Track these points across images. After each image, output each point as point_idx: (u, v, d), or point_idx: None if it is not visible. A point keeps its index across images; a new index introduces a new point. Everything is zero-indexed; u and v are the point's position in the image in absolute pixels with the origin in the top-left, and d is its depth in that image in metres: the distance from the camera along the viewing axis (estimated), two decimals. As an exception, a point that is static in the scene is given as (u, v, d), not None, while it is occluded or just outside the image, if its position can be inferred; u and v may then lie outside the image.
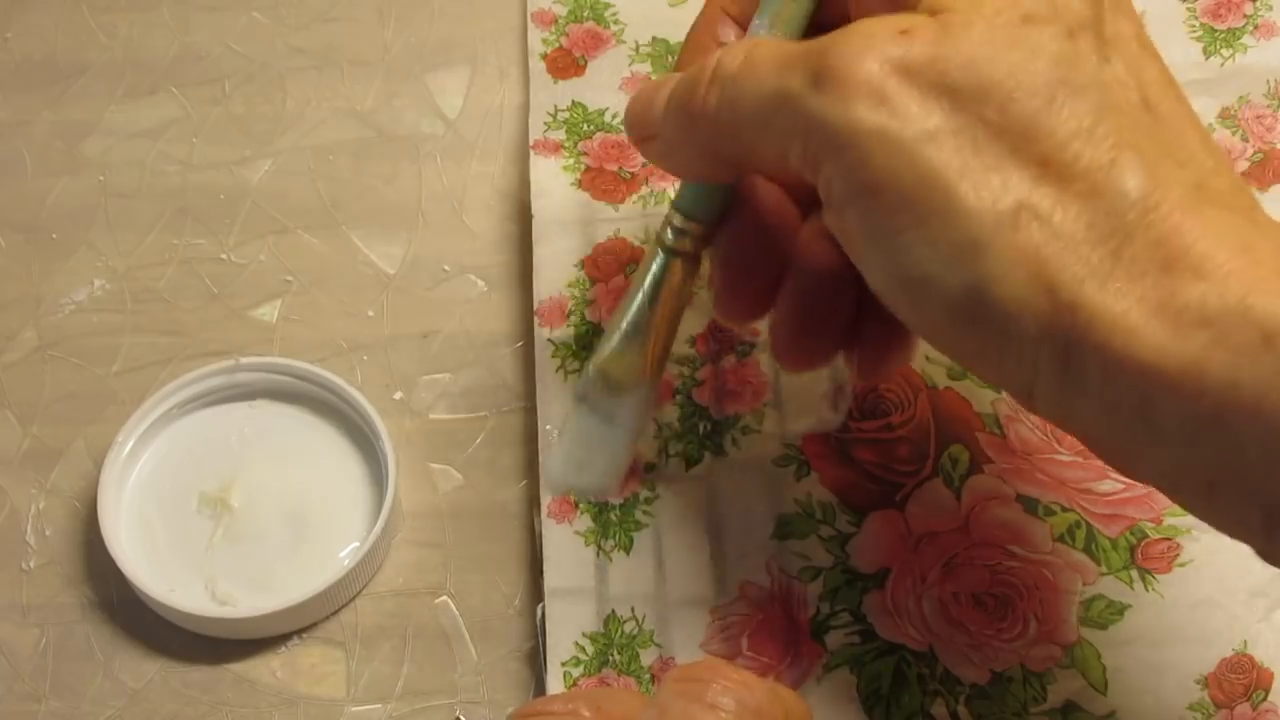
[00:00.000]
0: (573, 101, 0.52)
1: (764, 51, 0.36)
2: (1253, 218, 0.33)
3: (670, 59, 0.54)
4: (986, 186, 0.32)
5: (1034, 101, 0.32)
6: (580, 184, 0.50)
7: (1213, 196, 0.32)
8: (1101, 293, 0.31)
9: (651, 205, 0.50)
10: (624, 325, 0.41)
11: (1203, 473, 0.31)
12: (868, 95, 0.33)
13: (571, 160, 0.51)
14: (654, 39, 0.54)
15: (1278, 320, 0.30)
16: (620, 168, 0.50)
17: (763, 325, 0.42)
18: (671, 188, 0.50)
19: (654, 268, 0.40)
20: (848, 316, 0.40)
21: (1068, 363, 0.32)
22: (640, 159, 0.51)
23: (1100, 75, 0.33)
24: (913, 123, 0.33)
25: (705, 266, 0.41)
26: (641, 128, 0.40)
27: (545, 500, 0.45)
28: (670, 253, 0.40)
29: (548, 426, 0.46)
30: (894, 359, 0.41)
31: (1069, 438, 0.45)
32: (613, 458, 0.43)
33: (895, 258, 0.33)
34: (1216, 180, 0.33)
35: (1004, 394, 0.46)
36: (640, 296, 0.41)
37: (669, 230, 0.40)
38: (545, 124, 0.52)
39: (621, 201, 0.50)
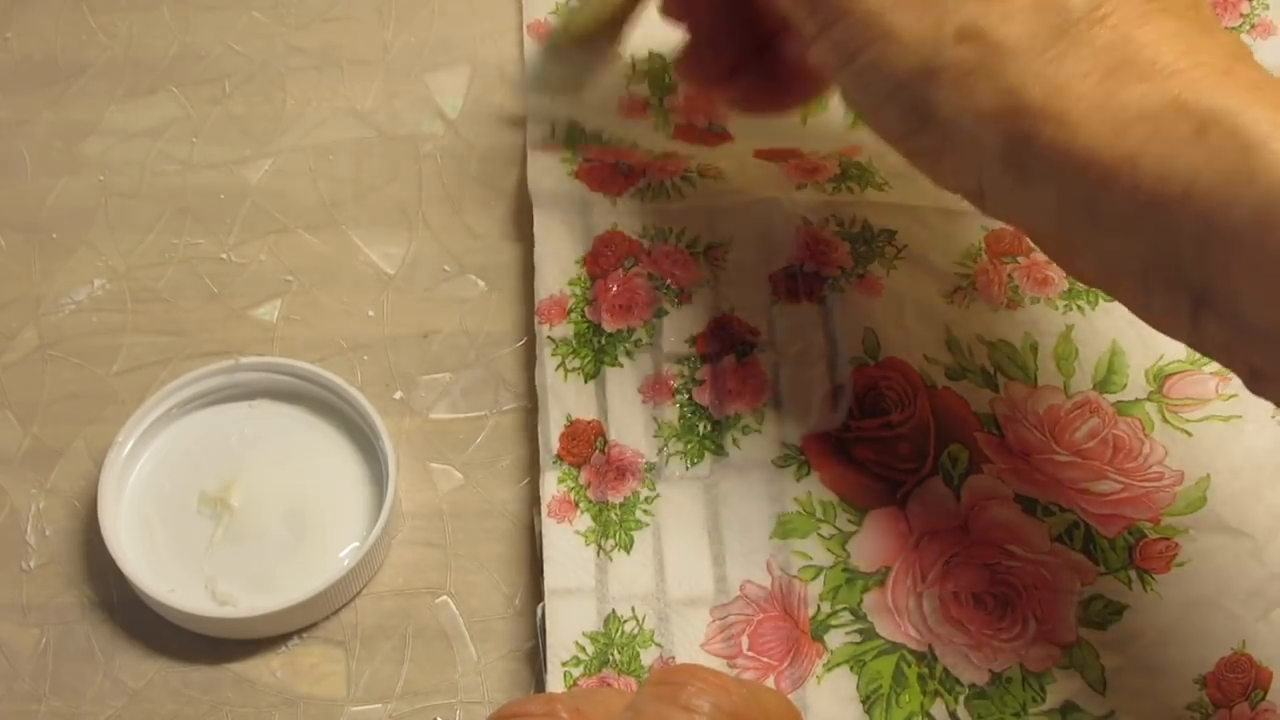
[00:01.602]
0: (571, 122, 0.52)
1: None
2: (1205, 26, 0.35)
3: (668, 78, 0.53)
4: (931, 12, 0.36)
5: None
6: (577, 175, 0.50)
7: (1167, 5, 0.35)
8: (1045, 94, 0.34)
9: (649, 199, 0.50)
10: None
11: (1138, 263, 0.34)
12: None
13: (569, 153, 0.51)
14: (650, 53, 0.54)
15: (1211, 113, 0.32)
16: (618, 161, 0.50)
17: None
18: (670, 179, 0.50)
19: None
20: (746, 50, 0.46)
21: (1012, 161, 0.35)
22: (639, 158, 0.51)
23: None
24: None
25: None
26: None
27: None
28: None
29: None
30: (766, 104, 0.48)
31: (1066, 438, 0.45)
32: (577, 79, 0.49)
33: (858, 79, 0.38)
34: None
35: (1003, 394, 0.46)
36: None
37: None
38: (544, 138, 0.52)
39: (619, 194, 0.50)
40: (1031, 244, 0.49)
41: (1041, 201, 0.35)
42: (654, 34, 0.54)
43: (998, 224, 0.50)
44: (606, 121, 0.52)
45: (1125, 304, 0.36)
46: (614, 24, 0.47)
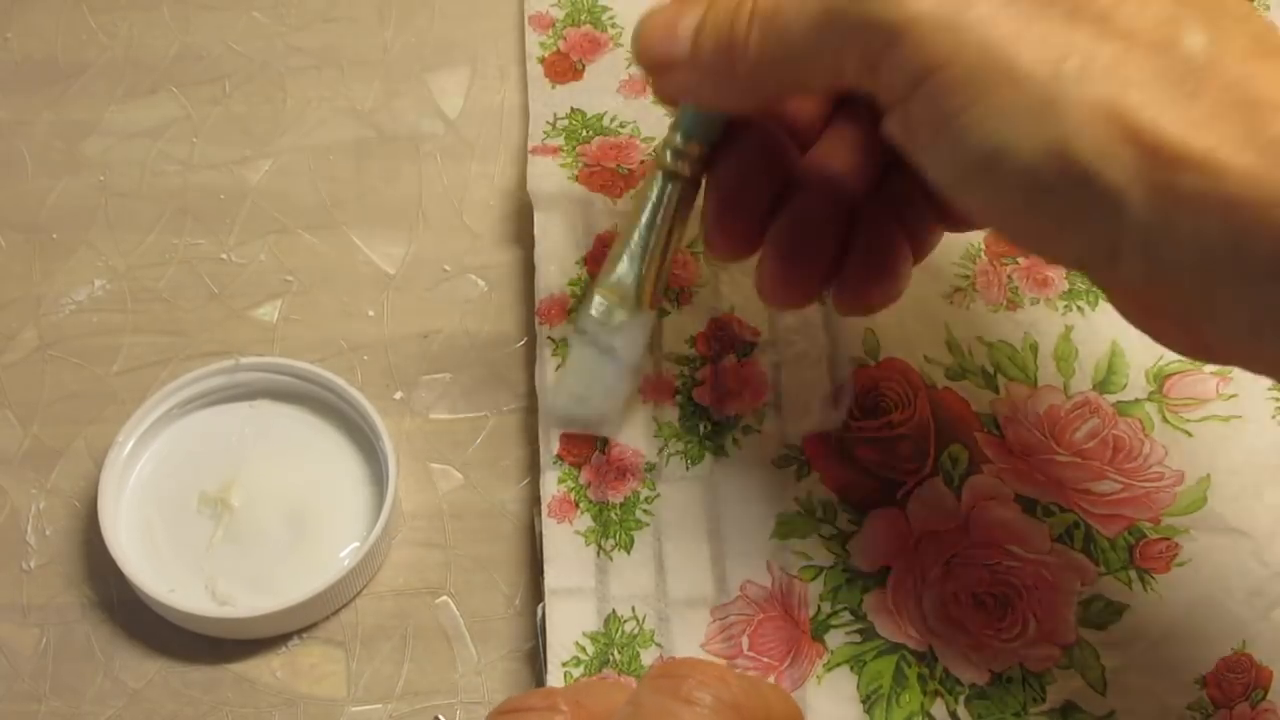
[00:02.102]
0: (571, 108, 0.52)
1: None
2: None
3: None
4: (1049, 48, 0.32)
5: None
6: (578, 179, 0.50)
7: (1274, 47, 0.33)
8: (1185, 133, 0.31)
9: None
10: (623, 253, 0.41)
11: None
12: None
13: (569, 158, 0.51)
14: None
15: None
16: (618, 164, 0.50)
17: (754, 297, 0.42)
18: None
19: (653, 193, 0.40)
20: (835, 252, 0.41)
21: (1155, 210, 0.32)
22: (638, 156, 0.51)
23: None
24: (965, 2, 0.33)
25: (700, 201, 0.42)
26: (662, 59, 0.39)
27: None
28: (669, 175, 0.40)
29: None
30: (875, 296, 0.41)
31: (1067, 438, 0.45)
32: (612, 389, 0.43)
33: (966, 136, 0.33)
34: (1273, 35, 0.33)
35: (1003, 394, 0.46)
36: (639, 223, 0.41)
37: (668, 152, 0.40)
38: (545, 132, 0.52)
39: (619, 195, 0.50)
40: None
41: (1184, 254, 0.32)
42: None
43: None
44: (609, 104, 0.52)
45: (1270, 372, 0.33)
46: (654, 285, 0.42)
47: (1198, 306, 0.33)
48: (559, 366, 0.46)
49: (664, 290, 0.42)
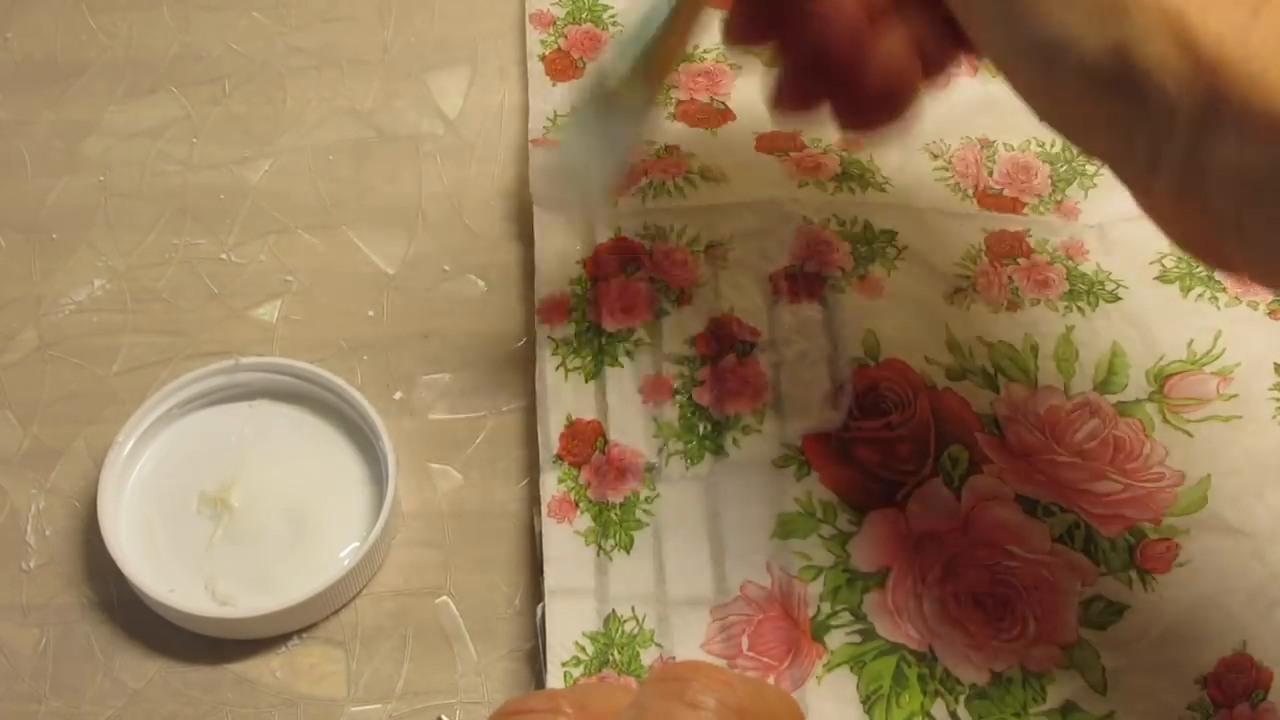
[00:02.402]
0: (572, 106, 0.52)
1: None
2: None
3: None
4: None
5: None
6: None
7: None
8: (1241, 50, 0.31)
9: (650, 199, 0.50)
10: (634, 39, 0.41)
11: None
12: None
13: None
14: None
15: None
16: None
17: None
18: (671, 179, 0.50)
19: None
20: (834, 73, 0.40)
21: (1203, 123, 0.32)
22: (639, 155, 0.51)
23: None
24: None
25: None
26: None
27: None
28: None
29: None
30: (880, 112, 0.41)
31: (1067, 439, 0.45)
32: (603, 168, 0.43)
33: (1029, 19, 0.33)
34: None
35: (1003, 395, 0.46)
36: (652, 21, 0.41)
37: None
38: (545, 128, 0.52)
39: (621, 196, 0.50)
40: (1033, 247, 0.49)
41: (1225, 169, 0.32)
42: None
43: (998, 225, 0.50)
44: None
45: None
46: (661, 67, 0.42)
47: (1229, 222, 0.33)
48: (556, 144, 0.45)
49: (665, 80, 0.42)
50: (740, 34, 0.42)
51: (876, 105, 0.41)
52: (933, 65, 0.41)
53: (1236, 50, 0.32)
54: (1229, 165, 0.32)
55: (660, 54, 0.41)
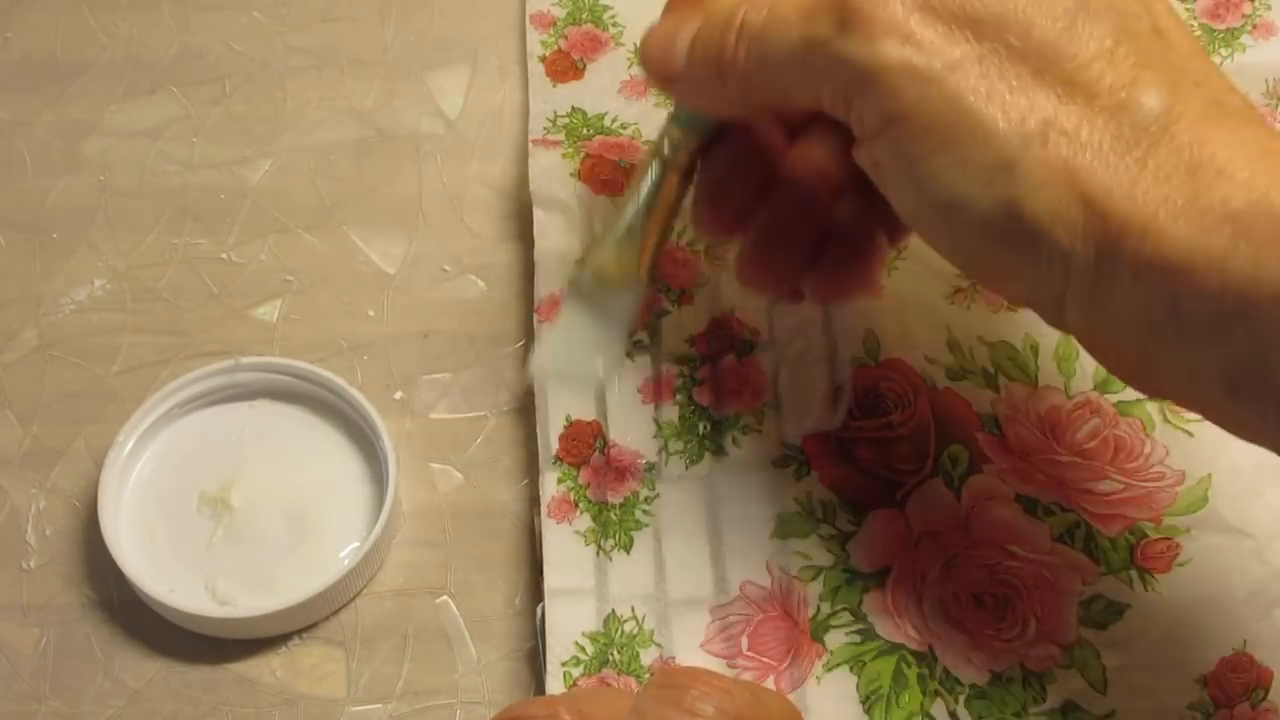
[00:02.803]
0: (572, 108, 0.52)
1: (787, 2, 0.37)
2: (1269, 130, 0.34)
3: None
4: (1013, 107, 0.34)
5: (1055, 26, 0.34)
6: (580, 175, 0.50)
7: (1230, 111, 0.34)
8: (1130, 199, 0.33)
9: (651, 199, 0.50)
10: (620, 227, 0.43)
11: (1224, 371, 0.33)
12: (892, 33, 0.34)
13: (571, 149, 0.51)
14: None
15: None
16: (620, 158, 0.50)
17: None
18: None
19: (651, 176, 0.43)
20: (812, 243, 0.42)
21: (1099, 270, 0.33)
22: (640, 150, 0.51)
23: (1115, 2, 0.35)
24: (937, 54, 0.34)
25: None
26: (661, 71, 0.41)
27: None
28: (666, 164, 0.43)
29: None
30: (850, 284, 0.44)
31: (1068, 438, 0.45)
32: (601, 348, 0.45)
33: (927, 182, 0.35)
34: (1231, 98, 0.35)
35: (1004, 394, 0.46)
36: (637, 202, 0.43)
37: (666, 143, 0.43)
38: (545, 129, 0.52)
39: (621, 194, 0.50)
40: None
41: (1125, 310, 0.34)
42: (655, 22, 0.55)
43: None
44: (610, 105, 0.52)
45: (1207, 416, 0.35)
46: (645, 259, 0.44)
47: (1139, 357, 0.35)
48: (548, 326, 0.47)
49: (654, 268, 0.44)
50: (709, 223, 0.44)
51: (842, 277, 0.43)
52: (897, 234, 0.44)
53: (1125, 201, 0.33)
54: (1129, 307, 0.33)
55: (644, 236, 0.43)
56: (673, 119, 0.43)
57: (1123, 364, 0.36)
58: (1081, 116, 0.34)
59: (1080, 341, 0.37)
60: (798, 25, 0.36)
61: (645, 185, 0.43)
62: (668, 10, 0.43)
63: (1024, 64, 0.34)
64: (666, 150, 0.43)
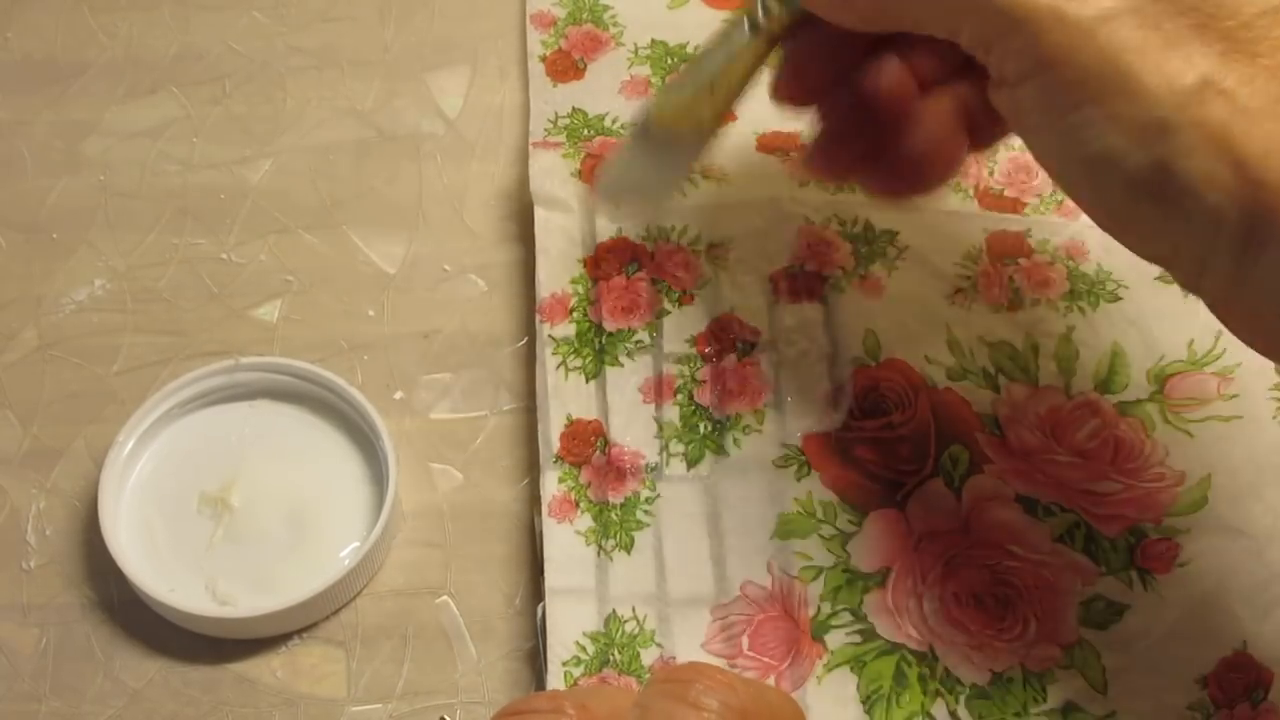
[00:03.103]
0: (573, 108, 0.52)
1: None
2: None
3: (670, 61, 0.54)
4: (1170, 63, 0.33)
5: None
6: (580, 175, 0.50)
7: None
8: None
9: (652, 200, 0.50)
10: (697, 78, 0.44)
11: None
12: None
13: (571, 150, 0.51)
14: (653, 41, 0.54)
15: None
16: None
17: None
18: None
19: (736, 34, 0.43)
20: (885, 134, 0.41)
21: (1248, 237, 0.32)
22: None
23: None
24: (1090, 3, 0.33)
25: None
26: None
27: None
28: (753, 25, 0.43)
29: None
30: (916, 187, 0.42)
31: (1068, 439, 0.45)
32: (662, 184, 0.47)
33: (1073, 135, 0.34)
34: None
35: (1004, 395, 0.46)
36: (719, 57, 0.43)
37: (760, 7, 0.43)
38: (546, 130, 0.52)
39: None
40: (1034, 247, 0.49)
41: (1270, 279, 0.33)
42: (655, 22, 0.55)
43: (999, 225, 0.50)
44: (610, 105, 0.52)
45: None
46: (715, 112, 0.45)
47: (1276, 326, 0.34)
48: (614, 156, 0.48)
49: (719, 121, 0.45)
50: (787, 93, 0.43)
51: (914, 175, 0.41)
52: (982, 137, 0.41)
53: None
54: (1275, 276, 0.32)
55: (723, 88, 0.44)
56: None
57: (1260, 334, 0.35)
58: (1242, 76, 0.32)
59: (1213, 307, 0.36)
60: None
61: (730, 43, 0.43)
62: None
63: (1184, 18, 0.33)
64: (760, 13, 0.43)
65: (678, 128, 0.44)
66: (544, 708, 0.32)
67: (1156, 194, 0.33)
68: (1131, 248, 0.36)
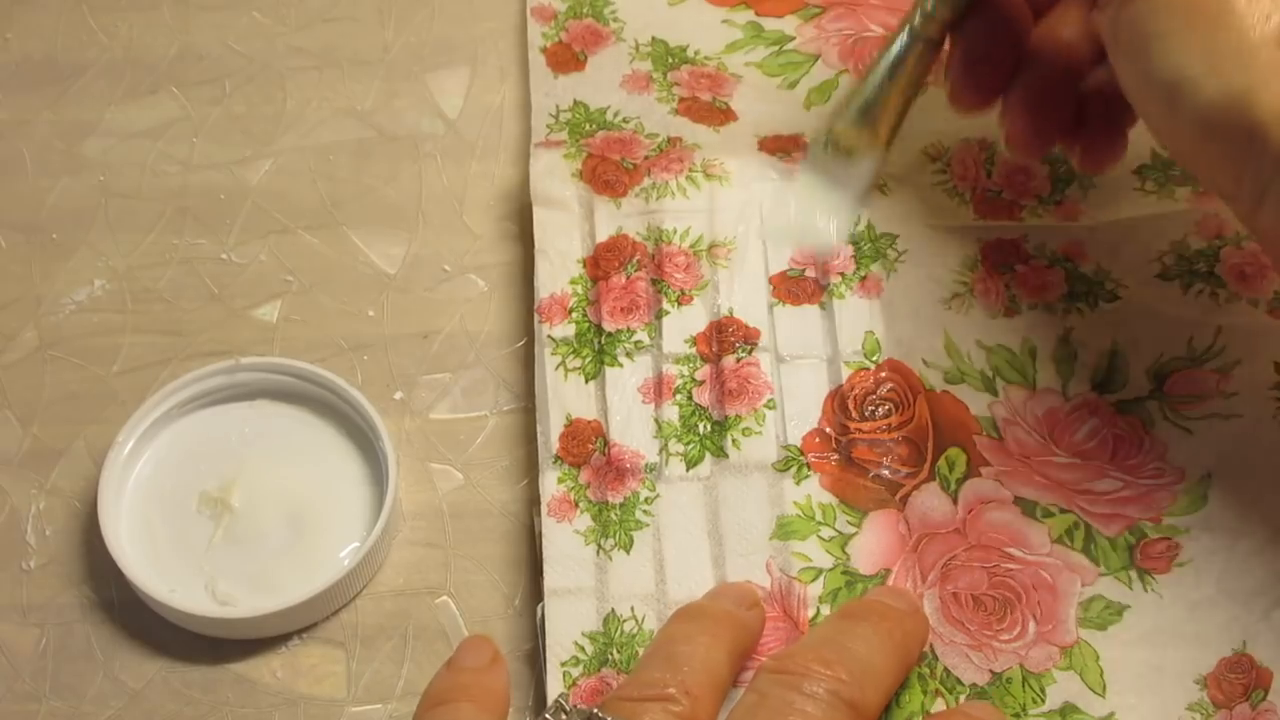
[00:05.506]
0: (574, 100, 0.52)
1: None
2: None
3: (671, 60, 0.54)
4: (1261, 2, 0.35)
5: None
6: (582, 175, 0.50)
7: None
8: None
9: (653, 199, 0.50)
10: (863, 98, 0.45)
11: None
12: None
13: (573, 149, 0.51)
14: (654, 39, 0.54)
15: None
16: (623, 158, 0.50)
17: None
18: (674, 178, 0.50)
19: (897, 47, 0.44)
20: (1070, 110, 0.44)
21: None
22: (642, 152, 0.51)
23: None
24: None
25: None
26: None
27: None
28: (915, 35, 0.44)
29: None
30: (1111, 155, 0.45)
31: (1066, 440, 0.45)
32: (835, 212, 0.48)
33: (1157, 59, 0.36)
34: None
35: (1002, 397, 0.46)
36: (881, 73, 0.45)
37: (918, 14, 0.44)
38: (548, 126, 0.52)
39: (623, 195, 0.50)
40: (1031, 252, 0.49)
41: None
42: (655, 19, 0.55)
43: (993, 235, 0.50)
44: (612, 98, 0.52)
45: None
46: (888, 126, 0.46)
47: None
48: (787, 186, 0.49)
49: (893, 137, 0.46)
50: (965, 99, 0.45)
51: (1105, 141, 0.44)
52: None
53: None
54: None
55: (887, 106, 0.45)
56: None
57: None
58: None
59: (1264, 241, 0.38)
60: None
61: (890, 56, 0.44)
62: None
63: None
64: (917, 21, 0.44)
65: (849, 153, 0.46)
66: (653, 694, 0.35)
67: (1226, 124, 0.35)
68: (1198, 175, 0.38)
